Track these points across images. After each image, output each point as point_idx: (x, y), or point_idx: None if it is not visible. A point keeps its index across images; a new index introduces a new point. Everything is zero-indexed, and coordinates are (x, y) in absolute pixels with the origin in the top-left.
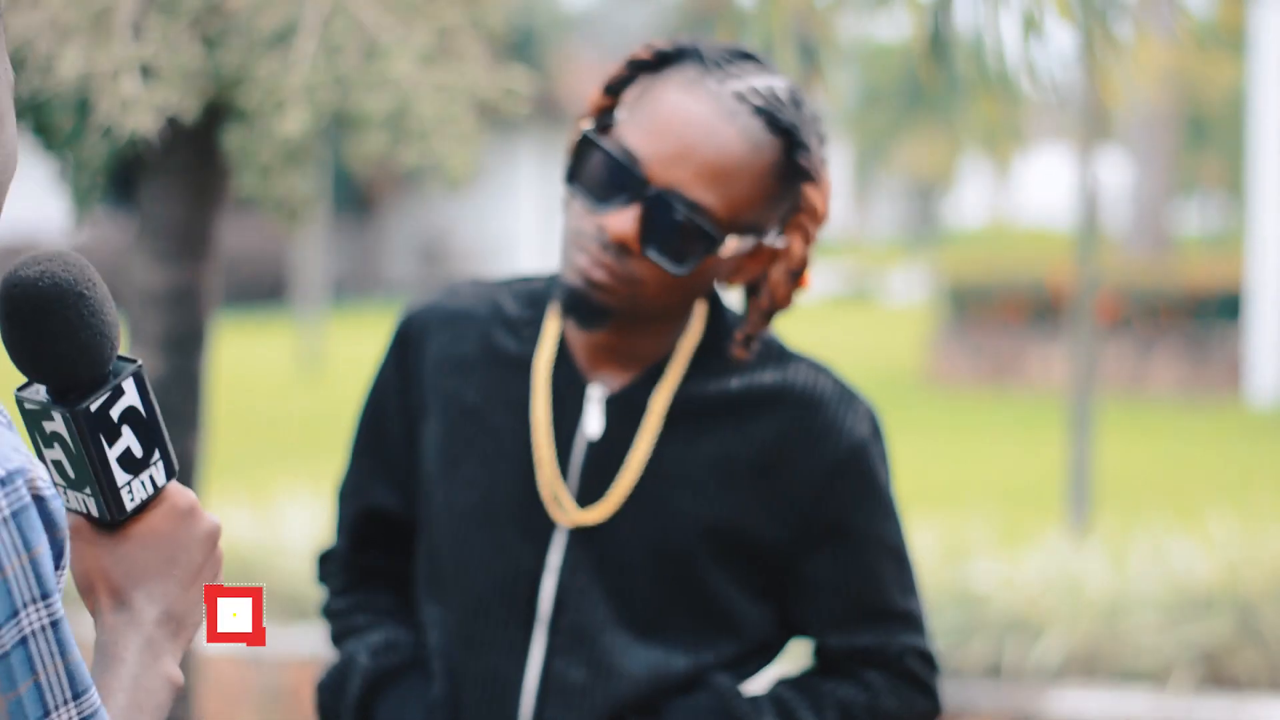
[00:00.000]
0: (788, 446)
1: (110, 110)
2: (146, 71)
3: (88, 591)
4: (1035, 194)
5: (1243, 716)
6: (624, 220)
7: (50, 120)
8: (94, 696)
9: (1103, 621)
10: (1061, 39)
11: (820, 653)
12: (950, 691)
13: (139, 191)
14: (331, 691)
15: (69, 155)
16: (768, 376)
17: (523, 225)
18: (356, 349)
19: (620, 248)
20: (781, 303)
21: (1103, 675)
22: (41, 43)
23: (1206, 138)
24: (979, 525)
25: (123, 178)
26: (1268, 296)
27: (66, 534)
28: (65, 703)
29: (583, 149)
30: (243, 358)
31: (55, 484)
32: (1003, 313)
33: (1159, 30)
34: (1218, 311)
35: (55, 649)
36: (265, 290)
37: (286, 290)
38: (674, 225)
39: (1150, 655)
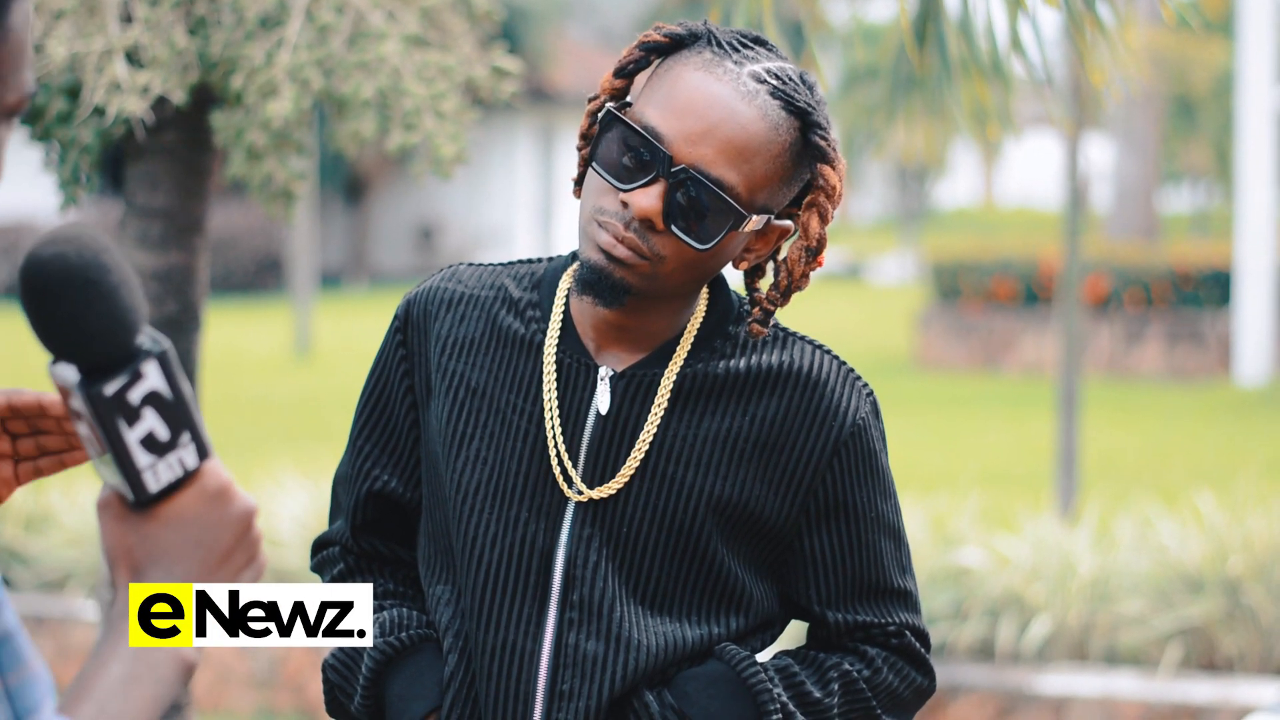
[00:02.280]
0: (791, 426)
1: (99, 93)
2: (134, 55)
3: (112, 566)
4: (1022, 177)
5: (1231, 696)
6: (648, 197)
7: (38, 105)
8: (5, 616)
9: (1092, 602)
10: (1047, 20)
11: (820, 629)
12: (942, 672)
13: (126, 175)
14: (340, 671)
15: (56, 141)
16: (771, 357)
17: (515, 209)
18: (347, 334)
19: (644, 224)
20: (799, 281)
21: (1092, 656)
22: (30, 26)
23: (1194, 120)
24: (969, 507)
25: (111, 162)
26: (1255, 278)
27: None
28: None
29: (605, 127)
30: (234, 342)
31: (91, 459)
32: (992, 295)
33: (1144, 12)
34: (1205, 293)
35: None
36: (257, 275)
37: (278, 275)
38: (697, 202)
39: (1139, 636)
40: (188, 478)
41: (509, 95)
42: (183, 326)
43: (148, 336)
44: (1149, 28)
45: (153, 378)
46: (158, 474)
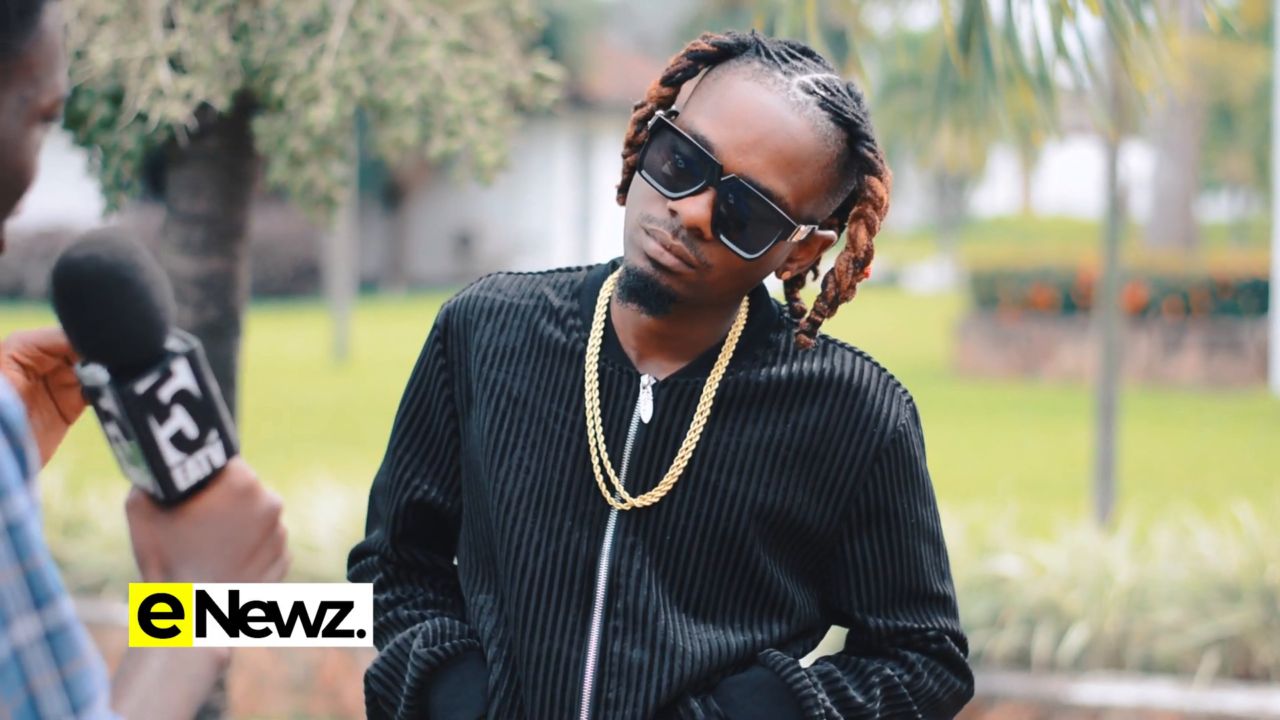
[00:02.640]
0: (832, 432)
1: (142, 99)
2: (177, 61)
3: (142, 565)
4: (1061, 185)
5: (1268, 706)
6: (698, 205)
7: (81, 110)
8: (63, 607)
9: (1129, 611)
10: (1089, 27)
11: (860, 634)
12: (979, 681)
13: (169, 181)
14: (384, 680)
15: (98, 147)
16: (813, 365)
17: (554, 216)
18: (385, 341)
19: (692, 232)
20: (846, 292)
21: (1129, 665)
22: (74, 32)
23: (1233, 129)
24: (1007, 516)
25: (153, 168)
26: None
27: (28, 439)
28: (25, 610)
29: (654, 135)
30: (272, 348)
31: (118, 460)
32: (1030, 303)
33: (1184, 20)
34: (1244, 302)
35: (10, 554)
36: (295, 281)
37: (316, 281)
38: (746, 211)
39: (1176, 645)
40: (215, 475)
41: (550, 102)
42: (223, 332)
43: (176, 336)
44: (1189, 35)
45: (182, 376)
46: (187, 471)
